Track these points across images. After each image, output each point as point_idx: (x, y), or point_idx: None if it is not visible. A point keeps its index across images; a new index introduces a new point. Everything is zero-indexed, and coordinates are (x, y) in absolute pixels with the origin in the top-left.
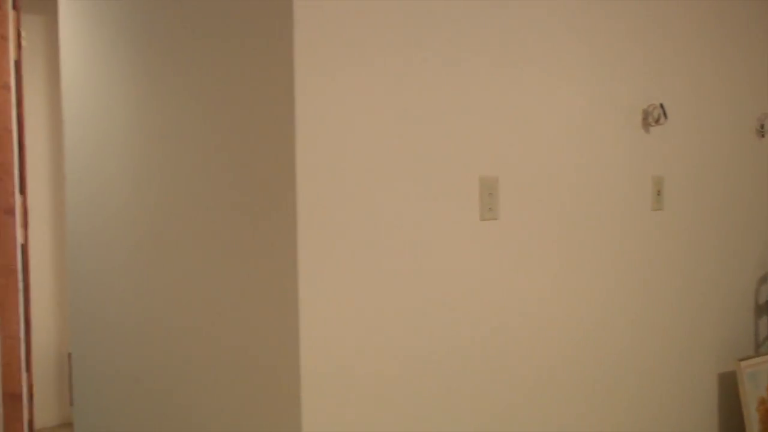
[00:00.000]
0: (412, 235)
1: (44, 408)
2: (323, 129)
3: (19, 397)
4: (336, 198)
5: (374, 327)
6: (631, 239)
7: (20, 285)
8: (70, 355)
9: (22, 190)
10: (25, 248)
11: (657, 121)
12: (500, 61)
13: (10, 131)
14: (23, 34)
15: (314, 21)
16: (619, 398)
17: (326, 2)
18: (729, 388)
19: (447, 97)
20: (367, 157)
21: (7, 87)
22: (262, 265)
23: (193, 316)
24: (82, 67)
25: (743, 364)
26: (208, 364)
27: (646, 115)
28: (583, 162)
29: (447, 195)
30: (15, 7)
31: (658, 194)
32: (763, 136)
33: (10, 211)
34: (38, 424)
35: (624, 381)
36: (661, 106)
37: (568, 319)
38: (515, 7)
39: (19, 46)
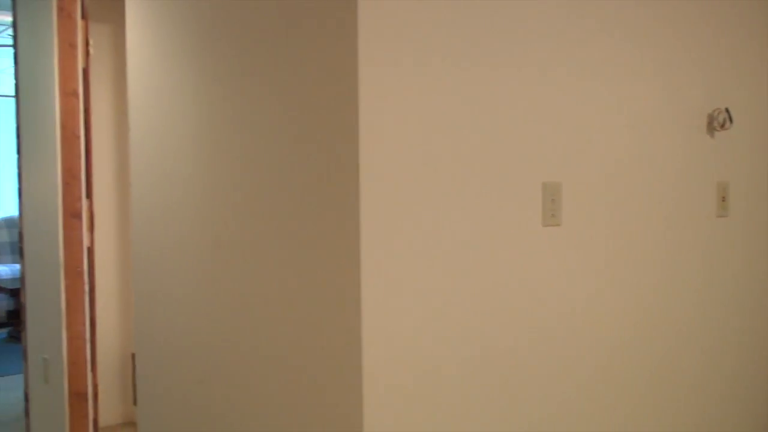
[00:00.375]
0: (474, 237)
1: (108, 407)
2: (387, 129)
3: (85, 395)
4: (399, 197)
5: (435, 326)
6: (696, 246)
7: (86, 287)
8: (133, 355)
9: (89, 195)
10: (90, 251)
11: (722, 126)
12: (564, 66)
13: (78, 137)
14: (91, 42)
15: (379, 23)
16: (677, 404)
17: (392, 5)
18: None
19: (512, 101)
20: (431, 159)
21: (75, 94)
22: (324, 263)
23: (254, 316)
24: (148, 74)
25: None
26: (269, 364)
27: (711, 119)
28: (647, 167)
29: (510, 199)
30: (83, 16)
31: (723, 200)
32: None
33: (77, 215)
34: (102, 422)
35: (682, 387)
36: (727, 110)
37: (628, 324)
38: (580, 13)
39: (86, 54)
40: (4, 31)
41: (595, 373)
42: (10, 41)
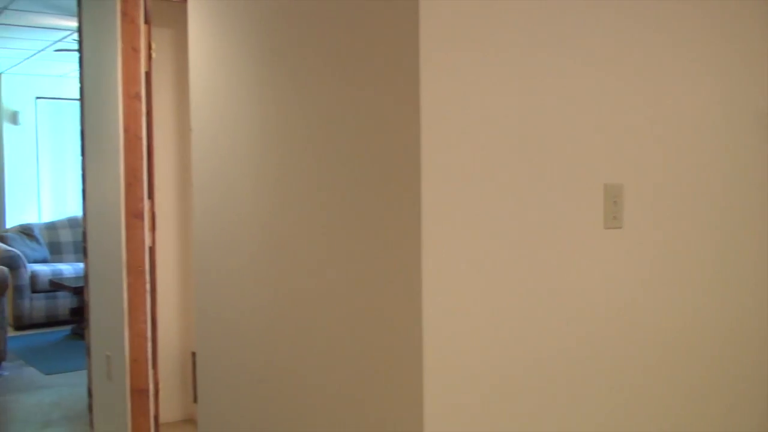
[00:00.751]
0: (535, 238)
1: (168, 403)
2: (448, 128)
3: (146, 392)
4: (460, 198)
5: (494, 326)
6: (759, 250)
7: (147, 286)
8: (193, 354)
9: (150, 195)
10: (152, 250)
11: None
12: (626, 66)
13: (140, 139)
14: (153, 46)
15: (440, 21)
16: (736, 408)
17: (453, 3)
18: None
19: (573, 101)
20: (491, 160)
21: (138, 97)
22: (384, 263)
23: (314, 316)
24: (209, 76)
25: None
26: (329, 364)
27: None
28: (713, 168)
29: (571, 201)
30: (146, 21)
31: None
32: None
33: (139, 215)
34: (162, 418)
35: (741, 391)
36: None
37: (689, 326)
38: (646, 12)
39: (149, 57)
40: (69, 36)
41: (655, 377)
42: (76, 46)
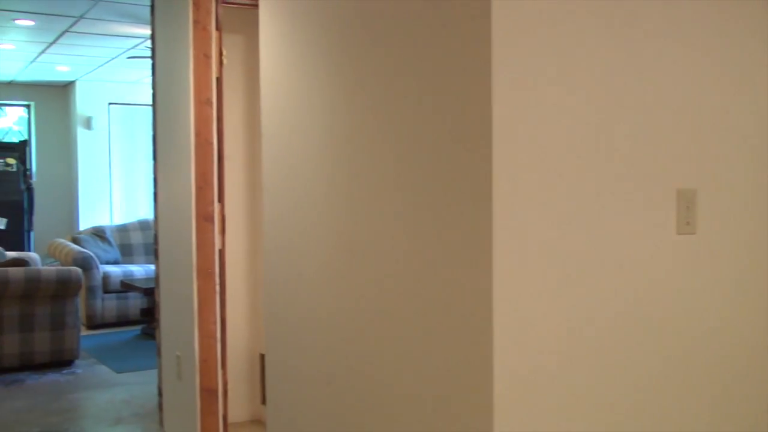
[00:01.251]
0: (606, 242)
1: (236, 404)
2: (519, 133)
3: (215, 392)
4: (531, 200)
5: (564, 330)
6: None
7: (217, 288)
8: (262, 355)
9: (220, 199)
10: (222, 253)
11: None
12: (701, 69)
13: (211, 143)
14: (224, 52)
15: (513, 21)
16: None
17: (526, 4)
18: None
19: (645, 105)
20: (562, 163)
21: (209, 102)
22: (455, 266)
23: (383, 319)
24: (280, 82)
25: None
26: (397, 367)
27: None
28: None
29: (643, 206)
30: (217, 28)
31: None
32: None
33: (210, 218)
34: (231, 418)
35: None
36: None
37: (763, 334)
38: (723, 16)
39: (220, 64)
40: (142, 43)
41: (730, 385)
42: (148, 53)
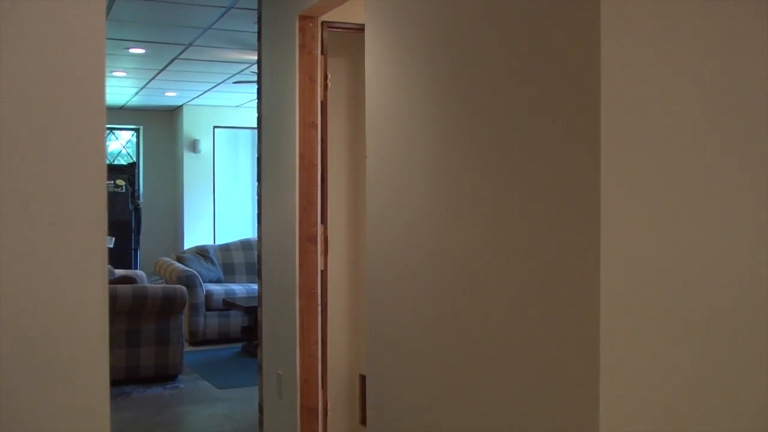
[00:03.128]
0: (717, 245)
1: (335, 423)
2: (627, 131)
3: (315, 411)
4: (639, 199)
5: (672, 336)
6: None
7: (319, 308)
8: (362, 376)
9: (323, 220)
10: (324, 274)
11: None
12: None
13: (315, 165)
14: (329, 76)
15: (622, 21)
16: None
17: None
18: None
19: (755, 101)
20: (670, 163)
21: (313, 125)
22: (562, 267)
23: (490, 340)
24: (385, 106)
25: None
26: (500, 395)
27: None
28: None
29: (755, 207)
30: (322, 52)
31: None
32: None
33: (312, 239)
34: None
35: None
36: None
37: None
38: None
39: (325, 87)
40: (247, 68)
41: None
42: (253, 78)
